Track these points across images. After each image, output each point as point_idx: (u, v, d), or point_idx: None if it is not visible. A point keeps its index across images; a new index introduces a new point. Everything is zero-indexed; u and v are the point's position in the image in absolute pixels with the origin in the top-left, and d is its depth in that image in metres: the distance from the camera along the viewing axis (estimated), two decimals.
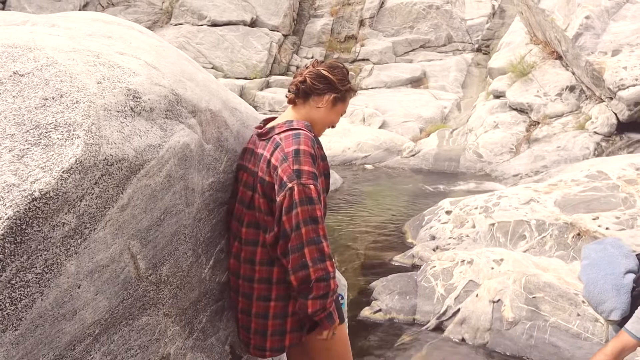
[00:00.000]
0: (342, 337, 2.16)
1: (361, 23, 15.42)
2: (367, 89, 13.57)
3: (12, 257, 1.21)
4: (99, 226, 1.39)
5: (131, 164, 1.47)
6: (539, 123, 9.81)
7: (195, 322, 1.94)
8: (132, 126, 1.52)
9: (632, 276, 2.09)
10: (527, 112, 10.16)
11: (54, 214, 1.28)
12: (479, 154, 9.72)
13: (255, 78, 13.79)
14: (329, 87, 2.04)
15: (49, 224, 1.27)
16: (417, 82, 13.78)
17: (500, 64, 11.53)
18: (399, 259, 5.13)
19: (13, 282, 1.22)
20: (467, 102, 12.57)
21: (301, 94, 2.05)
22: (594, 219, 4.46)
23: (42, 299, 1.28)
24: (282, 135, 1.95)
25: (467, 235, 5.02)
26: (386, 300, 4.13)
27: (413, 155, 10.16)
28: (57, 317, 1.33)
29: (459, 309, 3.84)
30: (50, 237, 1.28)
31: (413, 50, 14.96)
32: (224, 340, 2.12)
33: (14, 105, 1.37)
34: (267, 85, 13.89)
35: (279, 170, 1.86)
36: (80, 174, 1.32)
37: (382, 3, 15.41)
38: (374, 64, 14.57)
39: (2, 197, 1.22)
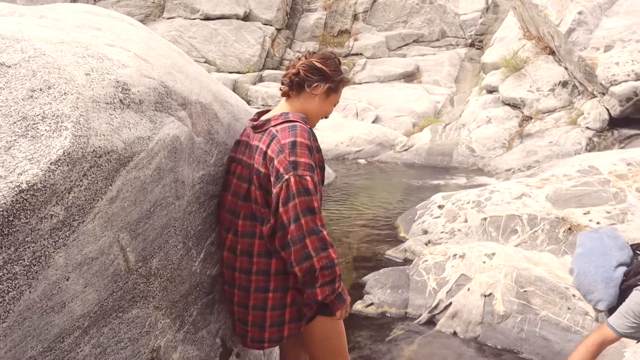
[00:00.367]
0: (339, 328, 2.18)
1: (354, 17, 15.39)
2: (360, 83, 13.57)
3: None
4: (87, 218, 1.39)
5: (120, 156, 1.46)
6: (531, 118, 9.85)
7: (185, 315, 1.93)
8: (121, 118, 1.51)
9: (623, 269, 2.12)
10: (519, 107, 10.19)
11: (42, 205, 1.27)
12: (471, 149, 9.74)
13: (248, 72, 13.75)
14: (323, 78, 2.04)
15: (37, 216, 1.26)
16: (410, 76, 13.79)
17: (493, 59, 11.54)
18: (391, 253, 5.14)
19: (0, 274, 1.21)
20: (460, 97, 12.60)
21: (295, 87, 2.05)
22: (585, 214, 4.49)
23: (30, 292, 1.28)
24: (279, 127, 1.94)
25: (459, 230, 5.04)
26: (378, 294, 4.14)
27: (406, 150, 10.18)
28: (46, 310, 1.33)
29: (450, 303, 3.85)
30: (38, 229, 1.27)
31: (406, 44, 14.96)
32: (214, 333, 2.12)
33: (1, 96, 1.36)
34: (260, 80, 13.86)
35: (275, 162, 1.86)
36: (68, 165, 1.31)
37: None
38: (367, 58, 14.57)
39: None
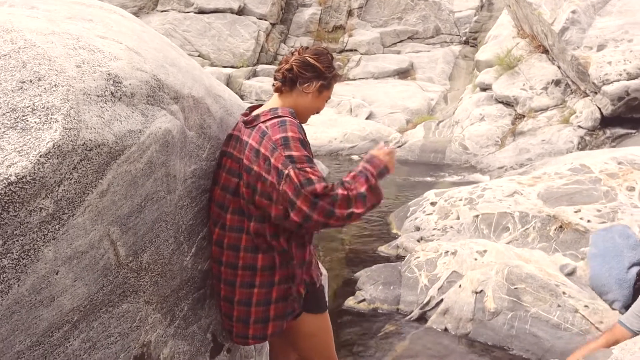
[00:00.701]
0: (325, 324, 2.18)
1: (349, 13, 15.37)
2: (354, 79, 13.57)
3: None
4: (77, 212, 1.37)
5: (111, 149, 1.45)
6: (524, 116, 9.88)
7: (176, 310, 1.93)
8: (113, 111, 1.49)
9: (636, 269, 2.14)
10: (512, 105, 10.23)
11: (31, 198, 1.25)
12: (464, 146, 9.77)
13: (242, 67, 13.71)
14: (316, 75, 2.03)
15: (26, 209, 1.25)
16: (404, 73, 13.80)
17: (487, 57, 11.56)
18: (383, 249, 5.15)
19: None
20: (454, 94, 12.63)
21: (288, 82, 2.04)
22: (575, 212, 4.51)
23: (18, 285, 1.26)
24: (268, 123, 1.93)
25: (452, 227, 5.05)
26: (370, 290, 4.15)
27: (399, 147, 10.19)
28: (35, 304, 1.31)
29: (442, 300, 3.87)
30: (27, 223, 1.26)
31: (401, 41, 14.97)
32: (205, 328, 2.11)
33: None
34: (254, 74, 13.81)
35: (272, 160, 1.85)
36: (58, 158, 1.29)
37: None
38: (361, 54, 14.56)
39: None
